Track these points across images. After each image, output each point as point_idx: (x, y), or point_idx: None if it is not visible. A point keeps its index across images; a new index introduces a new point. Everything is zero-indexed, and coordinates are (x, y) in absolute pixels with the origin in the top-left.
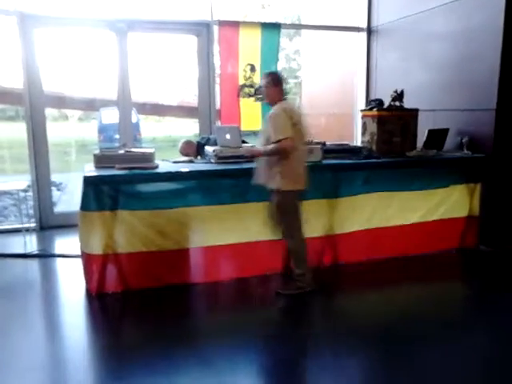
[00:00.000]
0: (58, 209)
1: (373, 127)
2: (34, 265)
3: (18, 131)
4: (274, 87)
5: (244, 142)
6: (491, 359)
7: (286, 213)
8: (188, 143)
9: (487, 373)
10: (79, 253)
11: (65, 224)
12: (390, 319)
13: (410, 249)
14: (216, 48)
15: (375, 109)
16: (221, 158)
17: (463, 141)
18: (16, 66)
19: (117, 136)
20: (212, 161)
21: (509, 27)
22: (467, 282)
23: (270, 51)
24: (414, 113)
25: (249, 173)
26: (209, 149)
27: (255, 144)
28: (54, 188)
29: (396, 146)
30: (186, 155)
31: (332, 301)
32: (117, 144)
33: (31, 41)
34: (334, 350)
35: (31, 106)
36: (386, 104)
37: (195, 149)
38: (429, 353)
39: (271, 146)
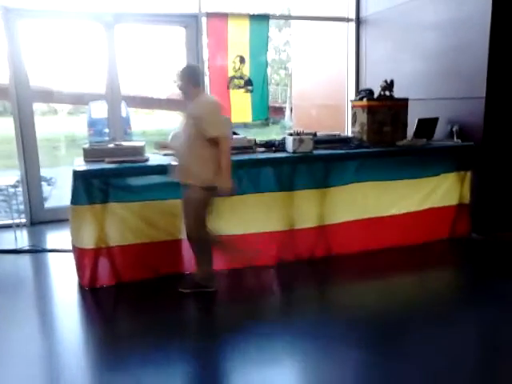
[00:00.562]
0: (48, 203)
1: (363, 117)
2: (25, 260)
3: (6, 127)
4: (188, 82)
5: (235, 133)
6: (484, 344)
7: (206, 207)
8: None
9: (480, 357)
10: (71, 247)
11: (55, 219)
12: (385, 309)
13: (403, 238)
14: (205, 40)
15: (365, 99)
16: None
17: (453, 129)
18: (1, 60)
19: (106, 130)
20: None
21: (497, 16)
22: (461, 271)
23: (259, 42)
24: (404, 102)
25: (240, 164)
26: None
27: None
28: (44, 183)
29: (386, 135)
30: None
31: (325, 292)
32: (107, 138)
33: (16, 35)
34: (329, 343)
35: (18, 100)
36: (376, 94)
37: None
38: (424, 340)
39: (225, 157)
